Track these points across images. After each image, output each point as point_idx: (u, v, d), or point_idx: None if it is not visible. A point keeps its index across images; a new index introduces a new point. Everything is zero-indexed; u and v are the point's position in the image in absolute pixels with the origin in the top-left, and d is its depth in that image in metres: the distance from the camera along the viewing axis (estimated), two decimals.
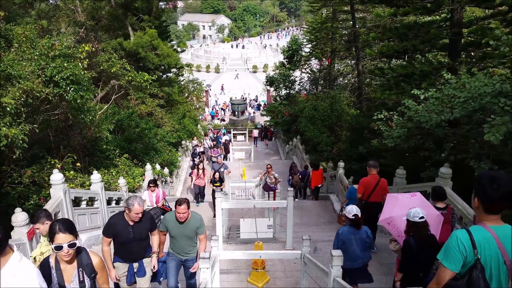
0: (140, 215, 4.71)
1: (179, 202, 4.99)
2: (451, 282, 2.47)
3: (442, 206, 5.63)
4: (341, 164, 13.28)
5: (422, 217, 4.55)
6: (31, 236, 5.59)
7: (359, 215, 5.36)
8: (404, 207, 5.04)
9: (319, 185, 14.23)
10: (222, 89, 49.63)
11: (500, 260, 2.41)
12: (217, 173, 12.04)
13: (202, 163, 14.23)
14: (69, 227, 3.06)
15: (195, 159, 19.33)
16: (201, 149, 20.82)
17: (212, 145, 22.16)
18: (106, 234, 4.82)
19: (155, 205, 9.35)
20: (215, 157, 14.10)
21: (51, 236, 2.99)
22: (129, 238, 4.77)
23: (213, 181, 12.09)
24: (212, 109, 41.38)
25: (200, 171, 13.28)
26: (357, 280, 5.40)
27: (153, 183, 9.52)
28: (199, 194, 13.58)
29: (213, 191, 11.75)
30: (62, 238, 2.99)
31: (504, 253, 2.38)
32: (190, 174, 15.06)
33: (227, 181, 14.39)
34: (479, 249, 2.40)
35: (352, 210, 5.37)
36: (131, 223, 4.75)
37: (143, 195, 9.48)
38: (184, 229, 5.16)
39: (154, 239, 5.12)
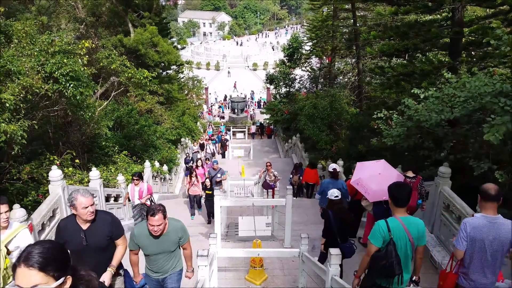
0: (91, 211, 3.65)
1: (152, 212, 3.91)
2: (376, 253, 3.71)
3: (411, 176, 6.69)
4: (340, 162, 13.28)
5: (337, 196, 5.92)
6: (29, 231, 5.57)
7: (337, 170, 7.76)
8: (370, 170, 6.27)
9: (311, 182, 14.06)
10: (234, 86, 49.50)
11: (406, 238, 3.66)
12: (207, 181, 11.04)
13: (196, 169, 12.59)
14: (43, 262, 1.74)
15: (191, 163, 17.01)
16: (201, 155, 18.83)
17: (214, 151, 20.21)
18: (59, 239, 3.78)
19: (137, 201, 8.94)
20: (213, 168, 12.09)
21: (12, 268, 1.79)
22: (81, 246, 3.68)
23: (204, 188, 11.13)
24: (210, 110, 41.28)
25: (194, 178, 11.47)
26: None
27: (137, 176, 8.83)
28: (195, 204, 11.94)
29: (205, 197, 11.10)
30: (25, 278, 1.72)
31: (408, 234, 3.66)
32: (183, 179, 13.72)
33: (228, 180, 14.40)
34: (392, 232, 3.64)
35: (332, 165, 7.74)
36: (84, 227, 3.70)
37: (127, 189, 9.10)
38: (161, 244, 4.15)
39: (118, 251, 3.94)
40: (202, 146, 22.83)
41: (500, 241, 3.53)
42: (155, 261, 4.27)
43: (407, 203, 3.73)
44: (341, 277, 5.04)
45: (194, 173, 11.46)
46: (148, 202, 9.01)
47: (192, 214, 11.97)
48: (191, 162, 17.29)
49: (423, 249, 3.84)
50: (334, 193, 5.98)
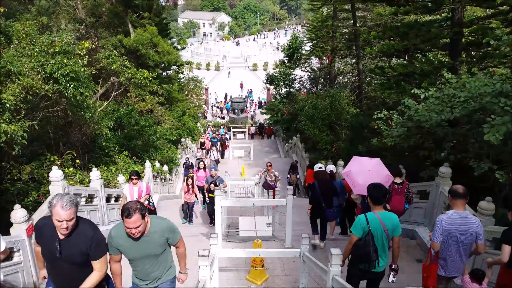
0: (64, 227, 3.11)
1: (126, 212, 3.30)
2: (356, 242, 4.37)
3: (399, 181, 6.96)
4: (341, 162, 13.26)
5: (320, 167, 7.36)
6: (30, 232, 5.59)
7: (334, 171, 8.49)
8: (362, 165, 6.61)
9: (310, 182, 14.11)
10: (241, 86, 49.48)
11: (382, 229, 4.29)
12: (212, 185, 10.44)
13: (197, 171, 12.18)
14: None
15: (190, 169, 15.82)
16: (207, 161, 17.78)
17: (218, 157, 18.76)
18: (36, 238, 3.49)
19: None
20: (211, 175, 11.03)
21: None
22: (54, 257, 3.25)
23: (208, 191, 10.61)
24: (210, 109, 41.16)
25: (190, 185, 10.93)
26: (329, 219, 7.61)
27: (135, 175, 8.46)
28: (188, 212, 11.41)
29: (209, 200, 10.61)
30: None
31: (384, 226, 4.28)
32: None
33: (226, 180, 14.39)
34: (370, 224, 4.27)
35: (329, 167, 8.50)
36: (61, 235, 3.22)
37: (124, 189, 8.61)
38: (144, 247, 3.56)
39: (92, 276, 3.37)
40: (202, 144, 22.75)
41: (469, 234, 4.12)
42: (139, 266, 3.70)
43: (383, 201, 4.45)
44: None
45: (191, 180, 10.91)
46: (146, 202, 8.74)
47: (185, 218, 11.43)
48: (191, 168, 16.32)
49: (399, 239, 4.46)
50: (318, 166, 7.51)
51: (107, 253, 3.51)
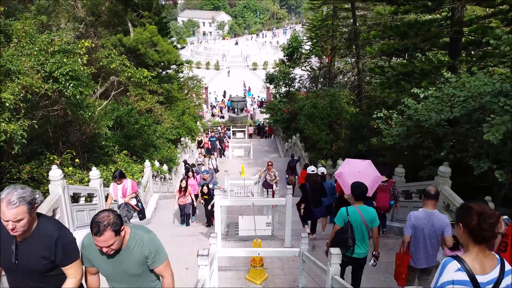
0: (11, 228, 2.54)
1: (95, 228, 2.61)
2: (338, 230, 5.10)
3: (383, 180, 7.82)
4: (340, 162, 13.28)
5: (313, 171, 7.97)
6: None
7: (325, 173, 8.96)
8: (353, 167, 7.05)
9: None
10: (244, 85, 49.46)
11: (361, 221, 4.99)
12: (205, 188, 10.26)
13: (188, 179, 11.46)
14: None
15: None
16: (208, 165, 17.08)
17: (217, 166, 17.70)
18: None
19: (121, 200, 8.12)
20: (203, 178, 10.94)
21: None
22: (10, 263, 2.69)
23: (201, 194, 10.42)
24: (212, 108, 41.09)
25: (183, 189, 10.65)
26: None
27: (118, 176, 7.99)
28: (185, 214, 11.12)
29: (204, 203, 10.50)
30: None
31: (363, 218, 4.99)
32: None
33: (226, 180, 14.40)
34: (350, 216, 5.02)
35: (320, 169, 8.86)
36: (19, 237, 2.66)
37: (109, 188, 8.25)
38: (119, 264, 2.87)
39: (66, 285, 2.83)
40: (200, 143, 22.64)
41: (434, 229, 4.63)
42: (116, 285, 3.01)
43: (363, 197, 5.14)
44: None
45: (185, 183, 10.66)
46: (133, 202, 8.25)
47: (182, 222, 11.21)
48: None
49: (377, 230, 5.13)
50: (311, 169, 8.14)
51: (81, 258, 2.91)
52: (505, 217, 3.74)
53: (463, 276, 2.21)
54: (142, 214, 8.58)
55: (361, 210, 5.04)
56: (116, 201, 8.17)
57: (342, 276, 5.14)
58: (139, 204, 8.29)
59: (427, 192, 4.81)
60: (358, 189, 5.12)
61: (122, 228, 2.77)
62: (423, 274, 4.97)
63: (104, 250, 2.70)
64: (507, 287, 2.22)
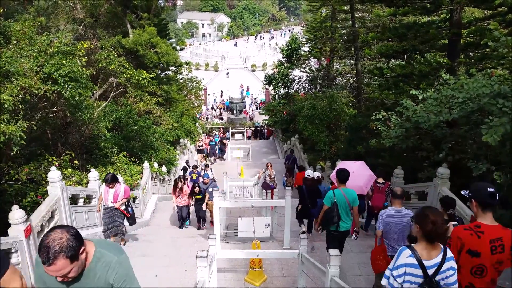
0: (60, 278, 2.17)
1: (44, 257, 2.09)
2: (326, 209, 6.16)
3: (381, 181, 8.31)
4: (339, 163, 13.27)
5: (309, 175, 8.34)
6: (28, 233, 5.58)
7: (320, 176, 9.31)
8: (347, 168, 7.04)
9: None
10: (241, 87, 49.41)
11: (345, 201, 6.07)
12: (196, 188, 10.24)
13: (185, 180, 11.15)
14: None
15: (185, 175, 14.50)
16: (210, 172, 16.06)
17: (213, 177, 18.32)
18: None
19: (111, 204, 7.66)
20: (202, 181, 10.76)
21: None
22: None
23: (192, 193, 10.35)
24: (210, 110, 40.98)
25: (179, 189, 10.48)
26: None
27: (111, 180, 7.47)
28: (181, 217, 10.93)
29: (195, 202, 10.44)
30: None
31: (346, 198, 6.06)
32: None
33: (225, 181, 14.39)
34: (336, 197, 6.07)
35: (316, 173, 8.98)
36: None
37: (100, 190, 7.90)
38: None
39: None
40: (200, 149, 22.51)
41: (403, 223, 5.35)
42: None
43: (346, 181, 6.15)
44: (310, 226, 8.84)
45: (180, 184, 10.42)
46: (123, 207, 7.79)
47: (181, 226, 10.99)
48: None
49: (357, 209, 6.21)
50: (308, 173, 8.52)
51: (9, 270, 2.46)
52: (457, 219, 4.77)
53: (413, 261, 2.95)
54: (132, 220, 8.02)
55: (345, 192, 6.14)
56: (105, 205, 7.72)
57: (334, 247, 5.71)
58: (129, 209, 7.83)
59: (394, 192, 5.61)
60: (342, 173, 6.15)
61: (82, 249, 2.22)
62: None
63: (59, 279, 2.20)
64: (448, 268, 2.96)
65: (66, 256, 2.11)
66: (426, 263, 2.94)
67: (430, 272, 2.93)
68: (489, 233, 3.30)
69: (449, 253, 3.00)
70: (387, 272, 3.12)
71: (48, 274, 2.18)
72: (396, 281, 2.98)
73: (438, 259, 2.95)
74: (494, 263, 3.30)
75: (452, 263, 2.98)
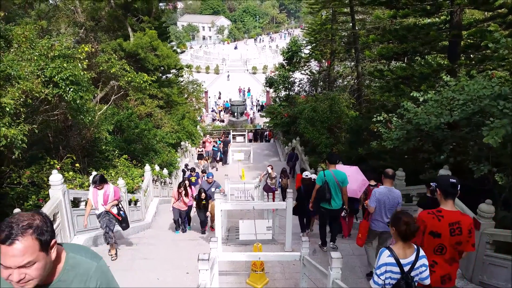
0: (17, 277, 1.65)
1: (6, 232, 1.60)
2: (318, 188, 7.07)
3: (373, 184, 8.49)
4: (341, 165, 13.26)
5: (307, 175, 8.94)
6: None
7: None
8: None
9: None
10: (240, 91, 49.48)
11: (334, 181, 6.97)
12: (203, 194, 10.05)
13: (185, 182, 10.69)
14: None
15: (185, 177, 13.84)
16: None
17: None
18: None
19: (102, 208, 7.18)
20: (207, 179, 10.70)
21: None
22: None
23: (199, 199, 10.09)
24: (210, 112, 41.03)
25: (182, 192, 10.27)
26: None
27: (99, 181, 7.02)
28: (179, 221, 10.68)
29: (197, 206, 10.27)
30: None
31: (335, 178, 6.96)
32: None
33: (226, 184, 14.39)
34: (326, 177, 7.01)
35: (312, 176, 9.33)
36: None
37: (89, 193, 7.32)
38: None
39: None
40: (200, 156, 22.38)
41: (393, 200, 5.90)
42: None
43: (335, 162, 7.23)
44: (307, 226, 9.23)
45: (182, 189, 10.22)
46: (114, 210, 7.30)
47: (177, 229, 10.76)
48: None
49: (345, 189, 7.03)
50: (305, 173, 9.05)
51: None
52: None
53: (391, 260, 3.36)
54: (125, 223, 7.55)
55: (334, 172, 6.98)
56: (96, 209, 7.23)
57: (325, 224, 7.51)
58: (121, 212, 7.38)
59: (386, 172, 6.09)
60: (332, 156, 7.37)
61: (54, 242, 1.75)
62: (383, 234, 6.16)
63: (15, 278, 1.62)
64: (421, 265, 3.40)
65: (36, 236, 1.63)
66: (402, 261, 3.36)
67: (406, 268, 3.35)
68: (448, 217, 3.81)
69: (422, 252, 3.45)
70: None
71: (3, 268, 1.62)
72: (380, 278, 3.39)
73: (413, 257, 3.40)
74: (453, 244, 3.80)
75: (424, 261, 3.44)
